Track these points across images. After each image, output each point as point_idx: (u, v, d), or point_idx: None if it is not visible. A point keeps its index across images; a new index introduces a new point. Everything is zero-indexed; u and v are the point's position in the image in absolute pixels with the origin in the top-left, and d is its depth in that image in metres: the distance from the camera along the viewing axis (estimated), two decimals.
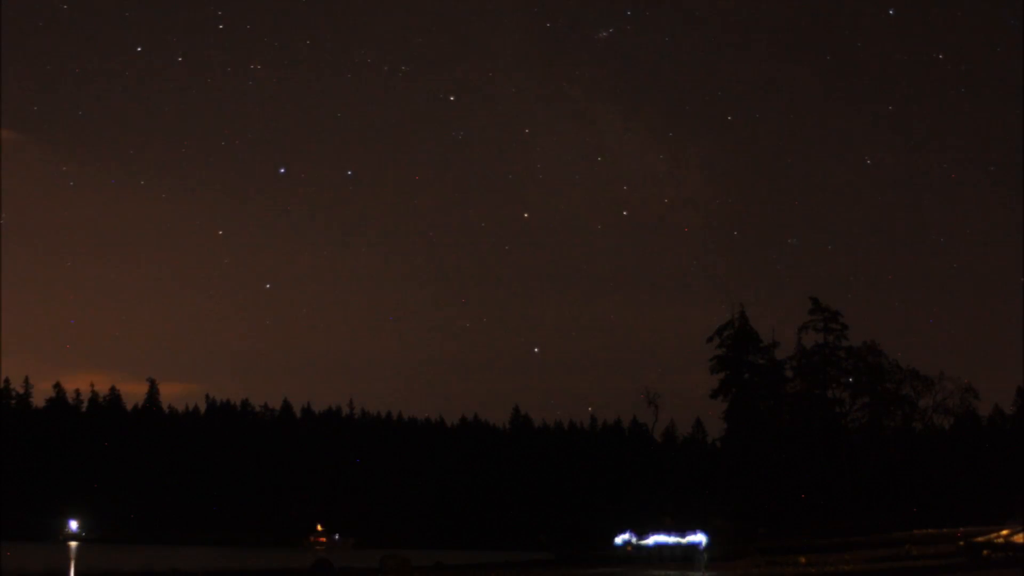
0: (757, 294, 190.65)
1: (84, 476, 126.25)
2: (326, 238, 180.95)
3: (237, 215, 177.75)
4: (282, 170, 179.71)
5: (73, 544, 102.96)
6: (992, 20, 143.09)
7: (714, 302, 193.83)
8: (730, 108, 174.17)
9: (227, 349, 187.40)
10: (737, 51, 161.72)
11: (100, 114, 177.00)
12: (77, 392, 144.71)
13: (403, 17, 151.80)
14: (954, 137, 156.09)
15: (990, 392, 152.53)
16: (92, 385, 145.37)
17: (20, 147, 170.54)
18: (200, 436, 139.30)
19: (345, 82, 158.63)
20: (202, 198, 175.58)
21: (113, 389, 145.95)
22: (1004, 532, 43.97)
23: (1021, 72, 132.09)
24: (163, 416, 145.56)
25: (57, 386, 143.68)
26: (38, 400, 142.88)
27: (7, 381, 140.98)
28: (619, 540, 68.41)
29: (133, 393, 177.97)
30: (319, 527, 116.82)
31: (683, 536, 64.16)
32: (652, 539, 65.77)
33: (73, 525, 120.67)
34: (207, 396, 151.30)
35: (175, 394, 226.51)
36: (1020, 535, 42.25)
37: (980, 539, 44.70)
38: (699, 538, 63.29)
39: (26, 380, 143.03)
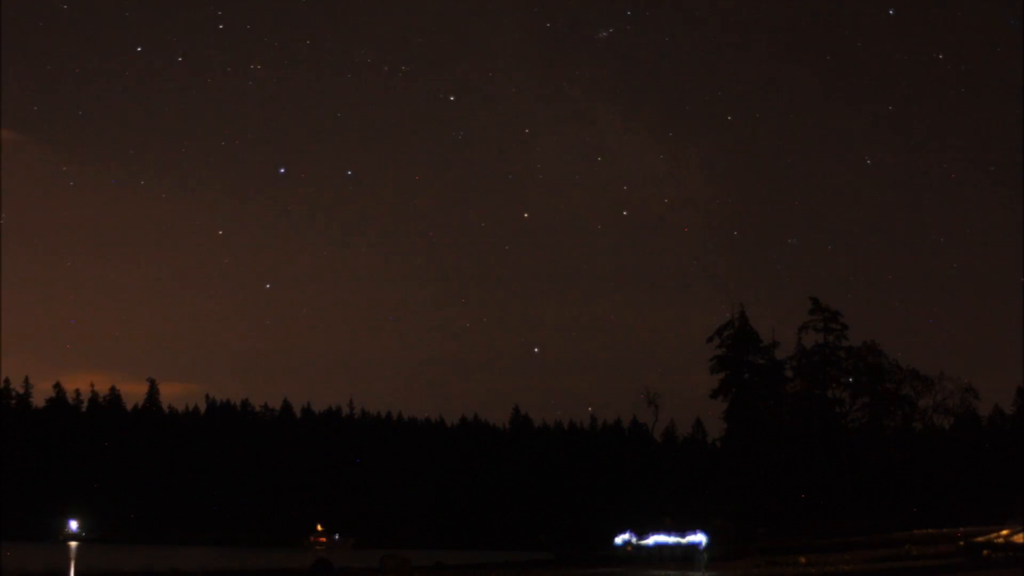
0: (757, 294, 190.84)
1: (84, 476, 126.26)
2: (326, 238, 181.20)
3: (237, 215, 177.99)
4: (282, 170, 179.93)
5: (73, 544, 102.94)
6: (992, 20, 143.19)
7: (714, 302, 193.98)
8: (730, 108, 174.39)
9: (227, 349, 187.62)
10: (737, 51, 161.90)
11: (100, 114, 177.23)
12: (77, 392, 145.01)
13: (403, 17, 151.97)
14: (954, 137, 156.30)
15: (990, 392, 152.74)
16: (92, 385, 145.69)
17: (20, 147, 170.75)
18: (200, 436, 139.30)
19: (345, 82, 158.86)
20: (202, 198, 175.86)
21: (113, 389, 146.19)
22: (1004, 532, 43.97)
23: (1021, 72, 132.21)
24: (163, 416, 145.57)
25: (57, 386, 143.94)
26: (38, 400, 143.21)
27: (7, 381, 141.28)
28: (619, 540, 68.19)
29: (133, 393, 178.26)
30: (319, 527, 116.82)
31: (683, 536, 63.97)
32: (652, 539, 65.58)
33: (73, 525, 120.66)
34: (207, 396, 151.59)
35: (175, 394, 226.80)
36: (1020, 535, 42.24)
37: (980, 539, 44.70)
38: (699, 538, 63.13)
39: (26, 380, 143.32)
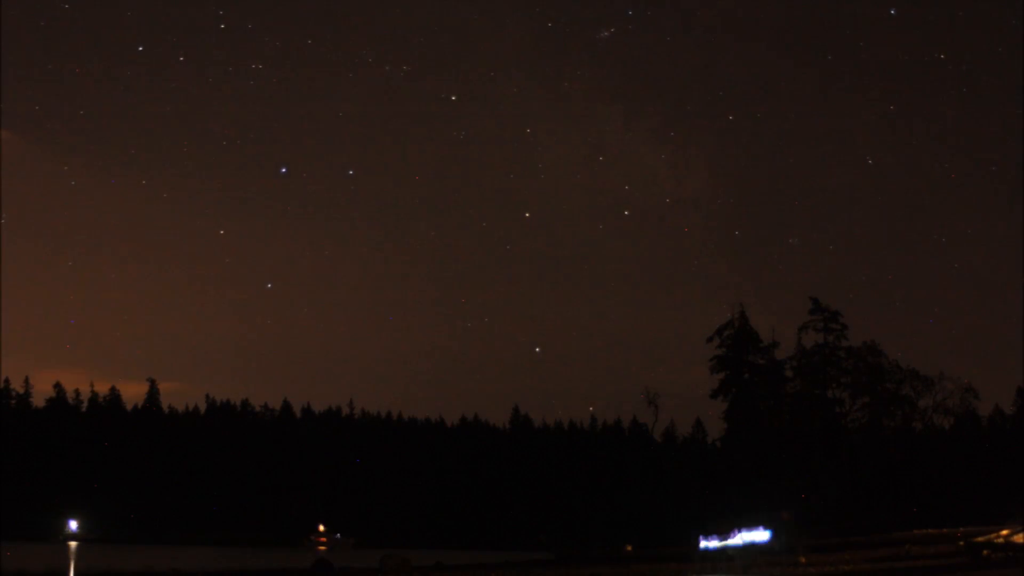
0: (757, 294, 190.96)
1: (84, 476, 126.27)
2: (327, 238, 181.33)
3: (238, 215, 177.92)
4: (283, 170, 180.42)
5: (73, 544, 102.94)
6: (993, 20, 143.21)
7: (714, 302, 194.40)
8: (731, 108, 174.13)
9: (227, 349, 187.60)
10: (738, 51, 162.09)
11: (101, 114, 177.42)
12: (77, 392, 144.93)
13: (404, 17, 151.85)
14: (955, 137, 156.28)
15: (990, 392, 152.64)
16: (92, 385, 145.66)
17: (20, 147, 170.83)
18: (200, 436, 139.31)
19: (346, 82, 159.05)
20: (203, 198, 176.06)
21: (113, 389, 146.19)
22: (1004, 532, 43.91)
23: (1022, 72, 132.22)
24: (163, 416, 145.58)
25: (57, 386, 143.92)
26: (38, 400, 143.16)
27: (7, 381, 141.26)
28: (708, 544, 65.05)
29: (133, 393, 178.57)
30: (320, 527, 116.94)
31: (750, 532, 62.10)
32: (738, 538, 62.91)
33: (73, 525, 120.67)
34: (207, 396, 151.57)
35: (175, 394, 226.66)
36: (1020, 535, 42.20)
37: (980, 539, 44.65)
38: (763, 535, 61.34)
39: (26, 380, 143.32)
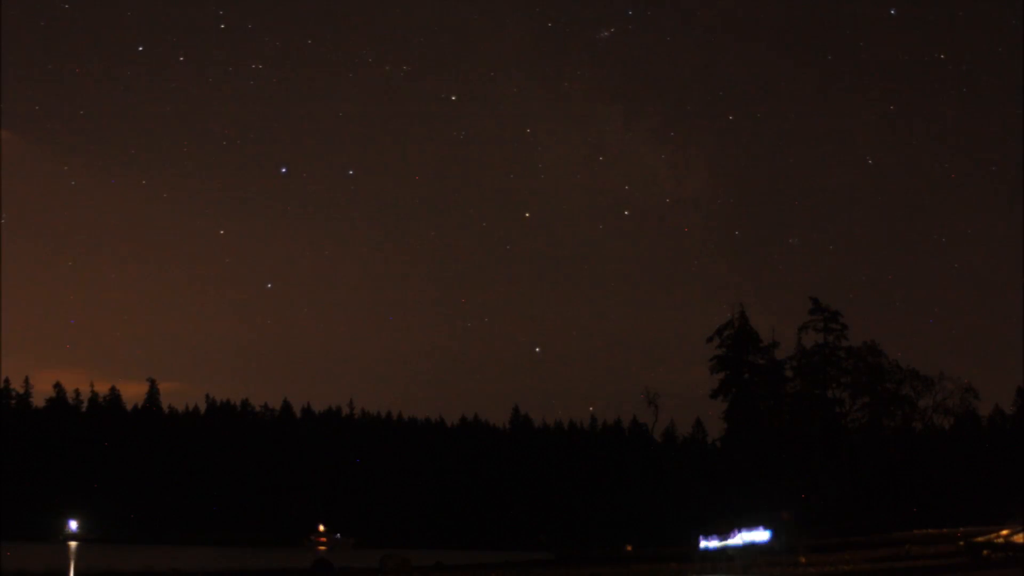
0: (757, 294, 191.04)
1: (84, 476, 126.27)
2: (327, 238, 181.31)
3: (238, 214, 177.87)
4: (283, 170, 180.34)
5: (73, 544, 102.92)
6: (994, 20, 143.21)
7: (714, 302, 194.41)
8: (731, 108, 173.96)
9: (227, 349, 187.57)
10: (738, 51, 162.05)
11: (101, 114, 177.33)
12: (77, 392, 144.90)
13: (404, 17, 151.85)
14: (955, 137, 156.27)
15: (990, 392, 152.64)
16: (92, 385, 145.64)
17: (21, 147, 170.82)
18: (200, 436, 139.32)
19: (346, 81, 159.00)
20: (203, 198, 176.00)
21: (113, 389, 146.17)
22: (1004, 532, 43.89)
23: (1022, 72, 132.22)
24: (163, 416, 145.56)
25: (57, 386, 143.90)
26: (38, 400, 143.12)
27: (7, 381, 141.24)
28: (708, 544, 64.58)
29: (133, 393, 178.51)
30: (319, 527, 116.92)
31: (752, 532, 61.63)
32: (739, 538, 62.47)
33: (73, 525, 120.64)
34: (207, 396, 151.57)
35: (175, 394, 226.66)
36: (1020, 535, 42.19)
37: (980, 539, 44.63)
38: (763, 535, 60.90)
39: (26, 380, 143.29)
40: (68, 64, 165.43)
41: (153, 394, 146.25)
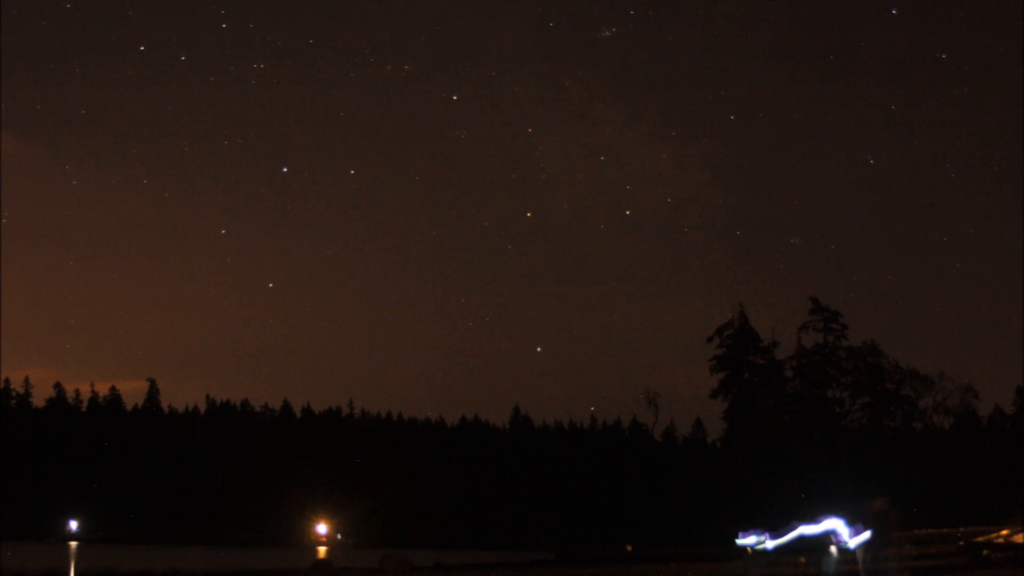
0: (757, 294, 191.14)
1: (84, 476, 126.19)
2: (328, 237, 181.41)
3: (239, 214, 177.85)
4: (285, 169, 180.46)
5: (73, 544, 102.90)
6: (995, 20, 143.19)
7: (714, 302, 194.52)
8: (733, 108, 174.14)
9: (227, 349, 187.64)
10: (739, 51, 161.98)
11: (102, 113, 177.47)
12: (77, 392, 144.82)
13: (404, 17, 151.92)
14: (956, 137, 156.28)
15: (990, 392, 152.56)
16: (92, 385, 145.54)
17: (21, 147, 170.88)
18: (200, 436, 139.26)
19: (348, 81, 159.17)
20: (204, 197, 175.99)
21: (113, 389, 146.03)
22: (1004, 532, 43.92)
23: (1022, 72, 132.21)
24: (163, 416, 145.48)
25: (57, 386, 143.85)
26: (38, 400, 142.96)
27: (7, 381, 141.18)
28: (746, 541, 62.61)
29: (133, 393, 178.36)
30: (319, 527, 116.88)
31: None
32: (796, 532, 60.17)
33: (73, 525, 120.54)
34: (207, 396, 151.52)
35: (175, 394, 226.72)
36: (1020, 535, 42.21)
37: (980, 539, 44.65)
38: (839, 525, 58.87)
39: (26, 380, 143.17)
40: (68, 64, 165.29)
41: (153, 394, 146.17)
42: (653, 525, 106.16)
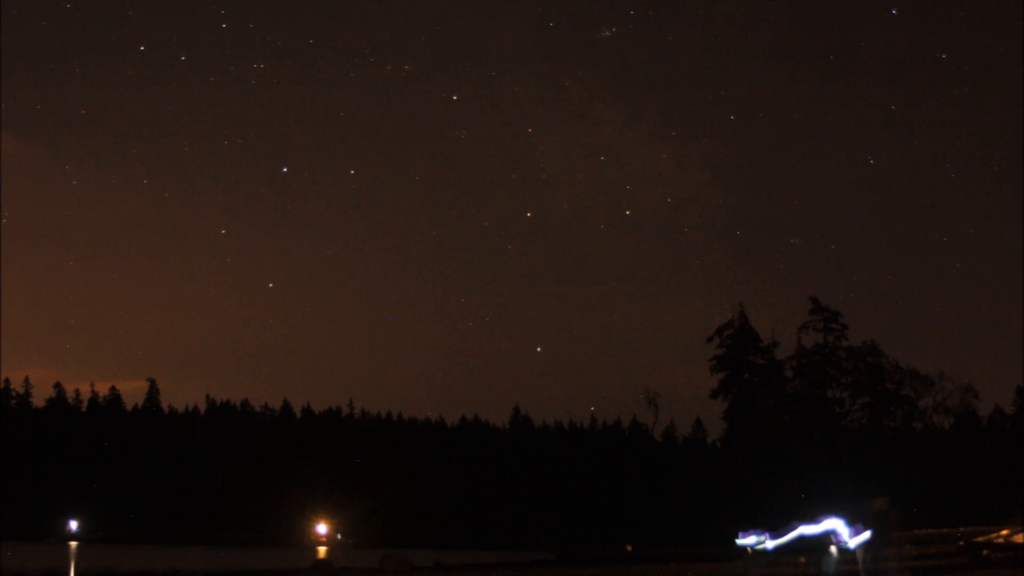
0: (757, 294, 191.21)
1: (84, 476, 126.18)
2: (328, 237, 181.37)
3: (239, 214, 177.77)
4: (285, 169, 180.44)
5: (73, 544, 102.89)
6: (995, 20, 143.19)
7: (714, 302, 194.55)
8: (733, 108, 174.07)
9: (227, 349, 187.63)
10: (739, 51, 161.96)
11: (102, 113, 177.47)
12: (77, 392, 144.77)
13: (404, 17, 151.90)
14: (955, 137, 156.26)
15: (990, 392, 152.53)
16: (92, 385, 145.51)
17: (20, 147, 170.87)
18: (200, 436, 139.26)
19: (348, 81, 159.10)
20: (204, 197, 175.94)
21: (113, 389, 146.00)
22: (1004, 532, 43.92)
23: (1022, 72, 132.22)
24: (163, 416, 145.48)
25: (57, 386, 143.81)
26: (38, 400, 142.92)
27: (7, 381, 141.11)
28: (746, 541, 62.40)
29: (133, 393, 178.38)
30: (319, 527, 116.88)
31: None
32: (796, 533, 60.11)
33: (73, 525, 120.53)
34: (207, 396, 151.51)
35: (175, 394, 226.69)
36: (1020, 535, 42.21)
37: (980, 539, 44.66)
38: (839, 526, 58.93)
39: (26, 380, 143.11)
40: (68, 64, 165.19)
41: (153, 394, 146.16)
42: (653, 525, 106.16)
